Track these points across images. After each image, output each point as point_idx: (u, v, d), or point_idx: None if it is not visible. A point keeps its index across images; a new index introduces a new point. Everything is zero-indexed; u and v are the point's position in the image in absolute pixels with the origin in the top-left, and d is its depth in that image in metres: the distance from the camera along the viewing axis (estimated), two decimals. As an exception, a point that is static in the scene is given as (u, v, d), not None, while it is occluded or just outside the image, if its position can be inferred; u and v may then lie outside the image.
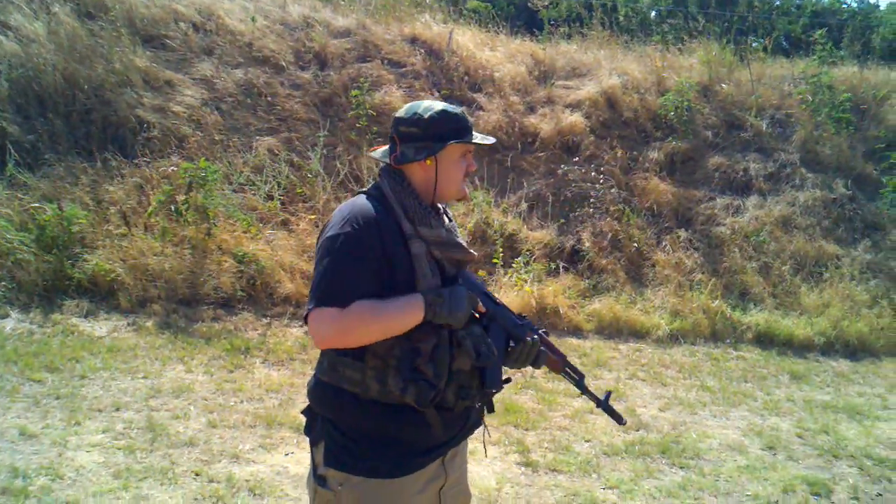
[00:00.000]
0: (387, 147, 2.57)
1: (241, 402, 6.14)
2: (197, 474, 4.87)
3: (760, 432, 6.37)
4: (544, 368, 2.64)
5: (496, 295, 2.72)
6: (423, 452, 2.45)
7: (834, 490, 5.35)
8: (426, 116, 2.49)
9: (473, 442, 5.64)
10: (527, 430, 6.05)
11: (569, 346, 8.22)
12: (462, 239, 2.61)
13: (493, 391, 2.51)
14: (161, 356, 6.91)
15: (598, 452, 5.72)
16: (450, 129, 2.50)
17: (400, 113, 2.55)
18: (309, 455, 2.54)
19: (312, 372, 2.59)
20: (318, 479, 2.45)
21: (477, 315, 2.51)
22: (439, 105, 2.53)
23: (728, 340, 8.85)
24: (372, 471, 2.39)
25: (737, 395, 7.29)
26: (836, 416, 6.89)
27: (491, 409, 2.65)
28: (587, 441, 5.91)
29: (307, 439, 2.55)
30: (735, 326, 9.07)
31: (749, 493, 5.22)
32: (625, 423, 2.79)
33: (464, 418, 2.56)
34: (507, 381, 2.58)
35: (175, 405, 5.94)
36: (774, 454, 5.97)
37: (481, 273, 9.22)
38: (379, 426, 2.40)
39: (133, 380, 6.36)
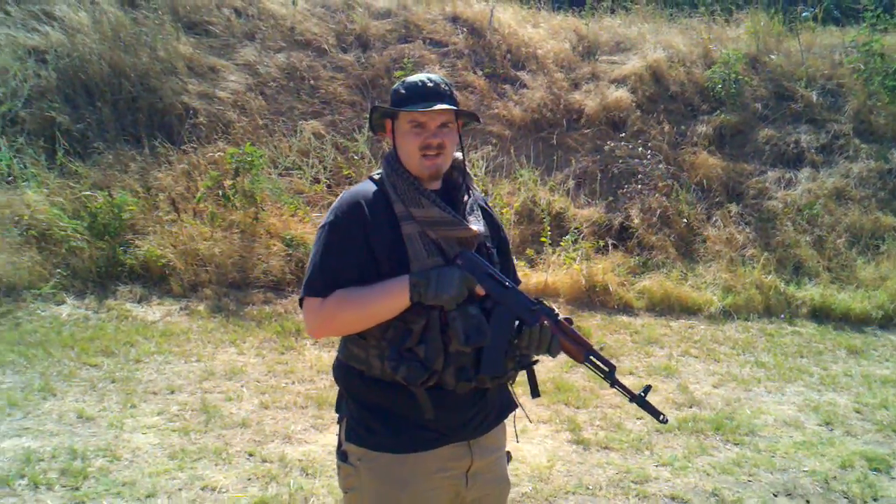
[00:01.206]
0: None
1: (293, 383, 6.19)
2: (250, 454, 4.91)
3: (817, 408, 6.26)
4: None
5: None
6: (435, 430, 2.40)
7: (894, 465, 5.23)
8: (395, 86, 2.50)
9: (524, 420, 5.63)
10: (578, 408, 6.01)
11: (619, 324, 8.15)
12: (477, 215, 2.52)
13: (491, 375, 2.38)
14: (213, 339, 6.99)
15: (651, 430, 5.65)
16: (398, 98, 2.44)
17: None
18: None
19: None
20: (340, 455, 2.48)
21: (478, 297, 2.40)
22: (421, 75, 2.48)
23: (782, 315, 8.70)
24: (383, 446, 2.39)
25: (792, 370, 7.17)
26: (896, 391, 6.75)
27: (536, 394, 2.55)
28: (639, 419, 5.84)
29: None
30: (789, 301, 8.91)
31: (806, 469, 5.14)
32: (665, 422, 2.52)
33: (478, 401, 2.47)
34: (532, 363, 2.50)
35: (228, 387, 6.00)
36: (832, 430, 5.86)
37: (529, 252, 9.17)
38: (386, 403, 2.40)
39: (186, 363, 6.45)
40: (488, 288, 2.38)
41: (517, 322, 2.41)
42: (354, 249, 2.34)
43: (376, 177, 2.51)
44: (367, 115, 2.56)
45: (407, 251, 2.35)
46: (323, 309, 2.34)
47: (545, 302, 2.45)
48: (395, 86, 2.50)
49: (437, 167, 2.43)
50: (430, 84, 2.42)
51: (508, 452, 2.69)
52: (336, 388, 2.58)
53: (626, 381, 6.61)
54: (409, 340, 2.32)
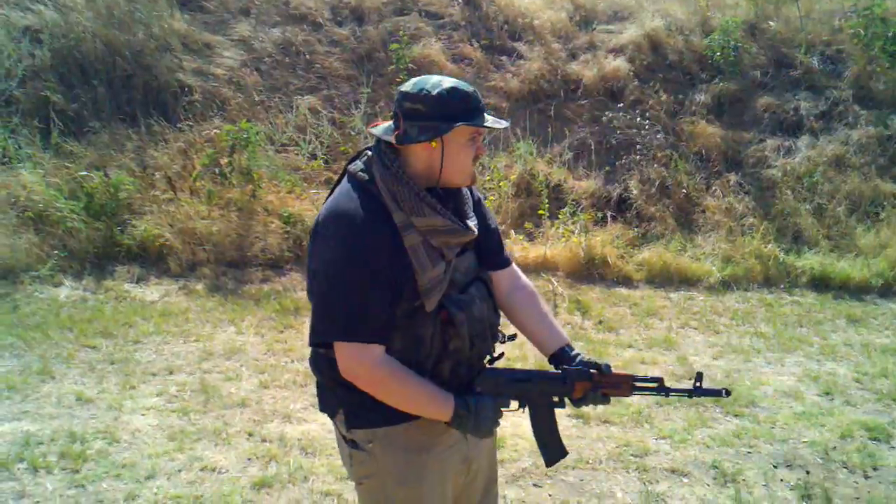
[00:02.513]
0: (389, 123, 2.37)
1: (292, 361, 6.19)
2: (250, 434, 4.93)
3: (817, 378, 6.26)
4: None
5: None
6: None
7: (894, 434, 5.25)
8: (434, 93, 2.26)
9: (524, 396, 5.64)
10: (578, 381, 5.99)
11: (618, 297, 8.15)
12: (470, 209, 2.46)
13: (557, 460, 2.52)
14: (212, 319, 6.99)
15: (651, 402, 5.65)
16: (460, 109, 2.27)
17: (406, 87, 2.32)
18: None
19: None
20: (350, 444, 2.40)
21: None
22: (449, 82, 2.31)
23: (782, 285, 8.69)
24: (396, 417, 2.31)
25: (792, 340, 7.17)
26: (896, 360, 6.75)
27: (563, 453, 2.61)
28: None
29: None
30: (789, 271, 8.89)
31: (805, 440, 5.15)
32: (729, 395, 2.50)
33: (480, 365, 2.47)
34: (510, 338, 2.54)
35: (227, 367, 6.01)
36: (831, 400, 5.87)
37: (528, 225, 9.15)
38: None
39: (185, 343, 6.45)
40: (516, 393, 2.39)
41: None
42: (381, 277, 2.21)
43: (361, 176, 2.35)
44: (398, 114, 2.32)
45: (412, 263, 2.25)
46: (372, 370, 2.23)
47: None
48: (439, 94, 2.28)
49: (476, 177, 2.45)
50: (478, 94, 2.36)
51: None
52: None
53: (626, 353, 6.66)
54: (423, 350, 2.31)
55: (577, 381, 2.40)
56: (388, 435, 2.34)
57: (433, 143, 2.28)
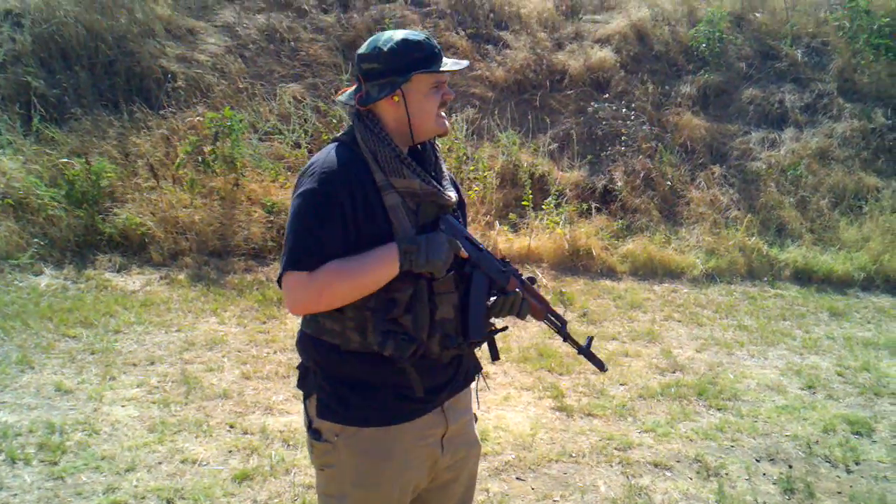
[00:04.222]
0: (353, 88, 2.41)
1: (274, 352, 6.15)
2: (231, 426, 4.89)
3: (799, 371, 6.28)
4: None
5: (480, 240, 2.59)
6: (416, 400, 2.36)
7: (876, 429, 5.27)
8: (386, 49, 2.30)
9: (507, 388, 5.64)
10: (561, 374, 6.00)
11: (602, 289, 8.14)
12: (447, 180, 2.47)
13: (477, 340, 2.40)
14: (194, 309, 6.93)
15: (634, 396, 5.66)
16: (413, 58, 2.30)
17: (361, 48, 2.37)
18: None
19: None
20: (312, 433, 2.40)
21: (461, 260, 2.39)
22: (400, 34, 2.34)
23: (765, 278, 8.71)
24: (364, 420, 2.33)
25: (775, 333, 7.19)
26: (878, 353, 6.77)
27: (496, 357, 2.55)
28: (622, 385, 5.86)
29: None
30: (772, 264, 8.92)
31: (788, 434, 5.16)
32: (606, 370, 2.73)
33: (455, 365, 2.47)
34: (501, 329, 2.52)
35: (209, 358, 5.96)
36: (814, 393, 5.88)
37: (512, 216, 9.12)
38: (364, 376, 2.33)
39: (167, 333, 6.39)
40: (468, 251, 2.37)
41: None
42: (341, 219, 2.23)
43: (345, 139, 2.39)
44: (359, 77, 2.37)
45: (392, 222, 2.28)
46: (312, 283, 2.21)
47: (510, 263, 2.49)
48: (394, 46, 2.31)
49: (447, 125, 2.42)
50: (433, 41, 2.36)
51: (474, 414, 2.68)
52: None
53: (610, 346, 6.66)
54: (395, 310, 2.25)
55: (513, 275, 2.45)
56: (355, 435, 2.33)
57: (395, 98, 2.32)
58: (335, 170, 2.27)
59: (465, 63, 2.41)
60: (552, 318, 2.56)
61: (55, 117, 8.85)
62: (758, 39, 12.14)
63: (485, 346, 2.54)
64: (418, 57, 2.30)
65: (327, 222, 2.23)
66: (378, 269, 2.23)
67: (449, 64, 2.34)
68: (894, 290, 8.65)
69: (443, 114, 2.39)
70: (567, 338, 2.60)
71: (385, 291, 2.25)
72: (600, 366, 2.66)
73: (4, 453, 4.33)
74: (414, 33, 2.35)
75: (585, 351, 2.60)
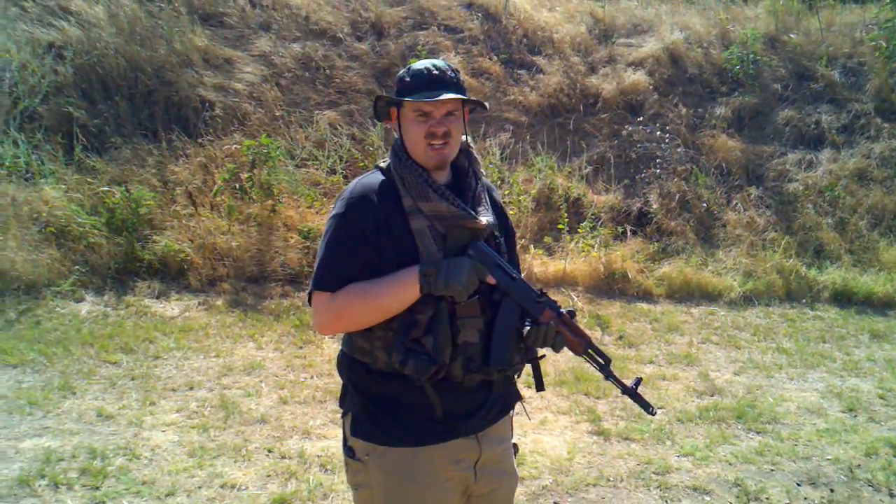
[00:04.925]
0: None
1: (311, 377, 6.19)
2: (269, 451, 4.92)
3: (840, 394, 6.20)
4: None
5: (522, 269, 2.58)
6: (444, 423, 2.38)
7: (919, 452, 5.19)
8: (398, 75, 2.46)
9: (544, 412, 5.62)
10: (598, 398, 5.98)
11: (638, 312, 8.10)
12: (485, 207, 2.48)
13: (499, 368, 2.38)
14: (232, 334, 7.00)
15: (672, 419, 5.62)
16: (410, 86, 2.39)
17: None
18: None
19: None
20: (347, 450, 2.46)
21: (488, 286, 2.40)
22: (422, 62, 2.43)
23: (804, 300, 8.61)
24: (394, 440, 2.37)
25: (814, 356, 7.10)
26: (920, 376, 6.67)
27: (541, 387, 2.57)
28: (660, 408, 5.81)
29: None
30: (811, 285, 8.82)
31: (829, 457, 5.09)
32: (654, 413, 2.62)
33: (485, 393, 2.46)
34: (540, 357, 2.51)
35: (247, 382, 6.01)
36: (855, 416, 5.80)
37: (547, 239, 9.12)
38: (393, 396, 2.37)
39: (205, 359, 6.46)
40: (497, 278, 2.37)
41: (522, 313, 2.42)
42: (363, 243, 2.31)
43: (383, 165, 2.48)
44: (373, 103, 2.49)
45: (417, 246, 2.33)
46: (332, 304, 2.31)
47: (550, 296, 2.47)
48: (399, 73, 2.46)
49: (443, 157, 2.41)
50: (435, 71, 2.39)
51: (515, 444, 2.68)
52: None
53: (646, 369, 6.61)
54: (416, 331, 2.29)
55: (549, 307, 2.42)
56: (384, 454, 2.37)
57: (389, 122, 2.50)
58: (363, 195, 2.37)
59: (448, 95, 2.36)
60: (594, 354, 2.51)
61: (96, 147, 9.01)
62: (793, 60, 12.08)
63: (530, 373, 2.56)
64: (409, 84, 2.39)
65: (351, 246, 2.32)
66: (398, 291, 2.28)
67: (425, 95, 2.35)
68: (936, 311, 8.52)
69: (435, 146, 2.38)
70: (609, 375, 2.53)
71: (409, 312, 2.30)
72: (647, 408, 2.58)
73: (47, 478, 4.39)
74: (426, 62, 2.43)
75: (632, 392, 2.54)
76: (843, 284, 8.77)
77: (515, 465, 2.67)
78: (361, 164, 9.59)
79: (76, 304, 7.33)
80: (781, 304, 8.55)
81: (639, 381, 2.55)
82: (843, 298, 8.69)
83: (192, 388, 5.84)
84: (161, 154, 9.11)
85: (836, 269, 9.12)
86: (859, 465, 4.99)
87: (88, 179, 8.55)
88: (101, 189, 8.34)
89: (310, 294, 2.38)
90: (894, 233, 9.74)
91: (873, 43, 12.06)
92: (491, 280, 2.36)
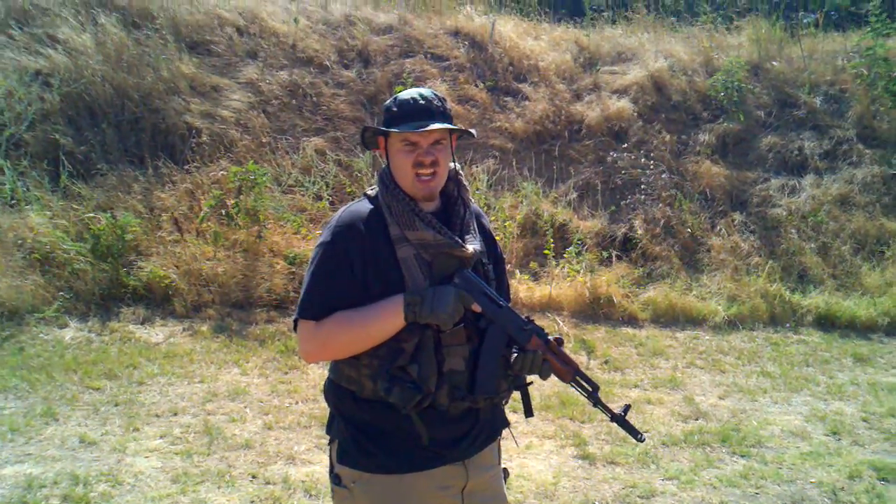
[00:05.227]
0: None
1: (296, 403, 6.18)
2: (253, 476, 4.91)
3: (824, 417, 6.23)
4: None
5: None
6: (434, 451, 2.39)
7: (902, 475, 5.21)
8: (387, 102, 2.49)
9: (529, 436, 5.62)
10: (583, 422, 5.98)
11: (624, 336, 8.12)
12: (473, 235, 2.49)
13: (485, 396, 2.39)
14: (216, 360, 6.98)
15: (657, 443, 5.63)
16: (392, 114, 2.42)
17: None
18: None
19: None
20: (333, 478, 2.46)
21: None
22: (409, 92, 2.45)
23: (788, 324, 8.66)
24: (381, 467, 2.37)
25: (798, 380, 7.13)
26: (903, 399, 6.70)
27: (529, 414, 2.57)
28: (645, 432, 5.82)
29: None
30: (795, 310, 8.86)
31: (813, 481, 5.11)
32: (643, 440, 2.60)
33: (471, 420, 2.47)
34: (526, 384, 2.52)
35: (231, 408, 6.00)
36: (839, 440, 5.83)
37: (533, 265, 9.15)
38: (379, 423, 2.38)
39: (190, 384, 6.44)
40: (483, 306, 2.38)
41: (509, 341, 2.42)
42: (350, 272, 2.32)
43: (371, 193, 2.50)
44: (360, 133, 2.52)
45: (403, 275, 2.34)
46: (318, 332, 2.32)
47: (536, 321, 2.47)
48: (386, 103, 2.48)
49: (431, 190, 2.43)
50: (421, 101, 2.41)
51: (506, 469, 2.68)
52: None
53: (632, 393, 6.63)
54: (401, 359, 2.30)
55: (536, 334, 2.42)
56: (370, 481, 2.37)
57: (376, 151, 2.51)
58: (350, 223, 2.38)
59: (435, 126, 2.36)
60: (582, 381, 2.51)
61: (82, 173, 9.01)
62: (776, 88, 12.20)
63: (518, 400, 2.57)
64: (396, 114, 2.41)
65: (336, 274, 2.33)
66: (383, 320, 2.29)
67: (407, 126, 2.37)
68: (919, 335, 8.57)
69: (423, 176, 2.39)
70: (598, 403, 2.51)
71: (394, 340, 2.31)
72: (636, 435, 2.55)
73: (29, 504, 4.36)
74: (413, 91, 2.45)
75: (620, 419, 2.52)
76: (827, 309, 8.81)
77: (505, 491, 2.67)
78: (349, 190, 9.62)
79: (60, 331, 7.30)
80: (765, 329, 8.59)
81: (627, 408, 2.54)
82: (827, 322, 8.73)
83: (176, 414, 5.82)
84: (147, 180, 9.11)
85: (820, 293, 9.17)
86: (843, 487, 5.01)
87: (74, 206, 8.55)
88: (87, 215, 8.34)
89: (295, 322, 2.39)
90: (877, 257, 9.82)
91: (855, 70, 12.21)
92: (477, 308, 2.37)
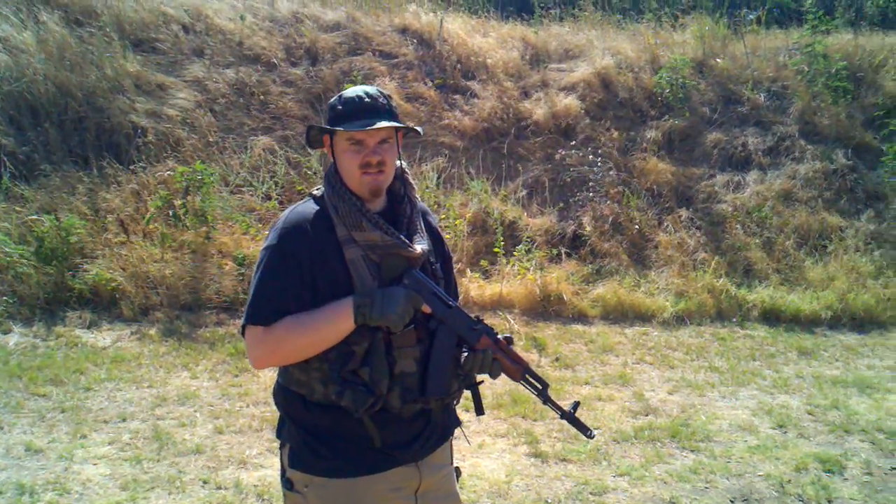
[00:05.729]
0: None
1: (247, 406, 6.12)
2: (205, 482, 4.86)
3: (770, 411, 6.34)
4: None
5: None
6: (387, 453, 2.39)
7: (847, 466, 5.32)
8: (329, 102, 2.47)
9: (482, 435, 5.64)
10: (535, 420, 6.02)
11: (574, 333, 8.18)
12: (420, 234, 2.49)
13: (437, 397, 2.40)
14: (165, 364, 6.89)
15: (608, 440, 5.69)
16: (338, 113, 2.40)
17: None
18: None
19: None
20: (285, 482, 2.44)
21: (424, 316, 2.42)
22: (354, 89, 2.43)
23: (734, 319, 8.80)
24: (333, 471, 2.36)
25: (745, 374, 7.26)
26: (846, 391, 6.85)
27: (480, 412, 2.58)
28: (596, 428, 5.87)
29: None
30: (741, 304, 9.01)
31: (761, 473, 5.20)
32: (593, 437, 2.63)
33: (423, 421, 2.48)
34: (479, 383, 2.54)
35: (181, 413, 5.93)
36: (785, 432, 5.94)
37: (483, 263, 9.18)
38: (331, 427, 2.37)
39: (138, 389, 6.35)
40: (433, 306, 2.39)
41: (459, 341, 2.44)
42: (298, 275, 2.30)
43: (317, 194, 2.48)
44: (305, 132, 2.47)
45: (351, 277, 2.33)
46: (267, 338, 2.29)
47: (487, 320, 2.48)
48: (331, 101, 2.46)
49: (378, 185, 2.41)
50: (367, 99, 2.39)
51: (457, 468, 2.69)
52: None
53: (583, 390, 6.68)
54: (352, 362, 2.30)
55: (486, 333, 2.44)
56: (324, 486, 2.37)
57: (323, 150, 2.48)
58: (296, 225, 2.35)
59: (382, 124, 2.34)
60: (532, 379, 2.53)
61: (24, 174, 8.84)
62: (720, 84, 12.39)
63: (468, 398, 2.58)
64: (341, 112, 2.38)
65: (284, 278, 2.30)
66: (332, 324, 2.27)
67: (359, 124, 2.34)
68: (861, 328, 8.76)
69: (368, 175, 2.37)
70: (548, 401, 2.54)
71: (344, 344, 2.30)
72: (586, 432, 2.58)
73: (-26, 516, 4.28)
74: (359, 89, 2.42)
75: (569, 416, 2.55)
76: (772, 303, 8.97)
77: (458, 489, 2.68)
78: (299, 188, 9.56)
79: (3, 336, 7.16)
80: (713, 324, 8.71)
81: (576, 406, 2.56)
82: (772, 317, 8.89)
83: (124, 420, 5.74)
84: (92, 181, 8.96)
85: (765, 288, 9.33)
86: (790, 480, 5.11)
87: (17, 208, 8.38)
88: (30, 217, 8.18)
89: (243, 328, 2.35)
90: (819, 252, 10.02)
91: (796, 67, 12.46)
92: (426, 309, 2.38)
